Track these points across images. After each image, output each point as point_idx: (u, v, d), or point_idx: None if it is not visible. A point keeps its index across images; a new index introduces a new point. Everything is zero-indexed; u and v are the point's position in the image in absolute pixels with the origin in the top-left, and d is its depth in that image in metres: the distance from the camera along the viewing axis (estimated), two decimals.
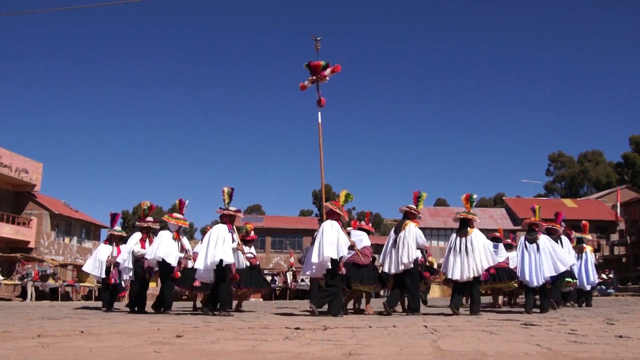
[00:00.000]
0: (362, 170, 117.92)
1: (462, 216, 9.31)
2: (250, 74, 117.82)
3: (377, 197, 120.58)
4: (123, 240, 12.23)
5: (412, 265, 9.06)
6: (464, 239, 9.15)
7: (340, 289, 8.68)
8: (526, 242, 10.01)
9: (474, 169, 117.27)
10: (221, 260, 8.84)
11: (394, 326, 5.98)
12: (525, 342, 4.15)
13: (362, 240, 9.84)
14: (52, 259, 32.27)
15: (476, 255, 8.97)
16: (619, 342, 4.18)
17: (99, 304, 14.52)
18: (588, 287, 13.09)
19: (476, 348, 3.81)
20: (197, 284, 10.16)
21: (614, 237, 41.43)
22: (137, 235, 10.86)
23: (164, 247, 9.84)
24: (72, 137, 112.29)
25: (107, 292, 12.14)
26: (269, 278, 36.26)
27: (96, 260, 12.37)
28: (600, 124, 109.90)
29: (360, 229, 10.29)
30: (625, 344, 4.06)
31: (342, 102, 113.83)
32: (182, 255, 10.21)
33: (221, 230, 9.07)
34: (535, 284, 9.66)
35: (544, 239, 9.98)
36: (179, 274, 10.12)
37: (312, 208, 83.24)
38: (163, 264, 9.90)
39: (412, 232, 9.16)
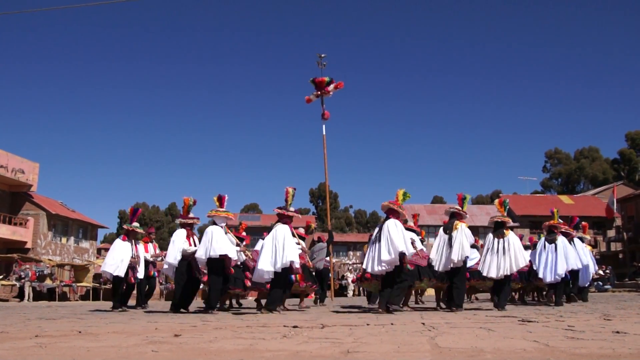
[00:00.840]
0: (358, 168, 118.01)
1: (499, 219, 10.04)
2: (247, 74, 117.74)
3: (373, 195, 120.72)
4: (137, 237, 11.75)
5: (462, 264, 9.43)
6: (501, 239, 9.88)
7: (409, 283, 9.28)
8: (546, 242, 11.54)
9: (471, 166, 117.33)
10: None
11: (391, 324, 5.99)
12: (522, 339, 4.16)
13: (415, 240, 10.16)
14: (49, 260, 32.23)
15: (512, 255, 9.74)
16: (615, 337, 4.19)
17: (101, 304, 14.43)
18: (586, 284, 13.35)
19: (474, 345, 3.81)
20: (248, 283, 10.03)
21: (611, 233, 41.54)
22: (182, 232, 10.13)
23: (222, 243, 9.34)
24: (69, 138, 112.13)
25: (121, 291, 11.29)
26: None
27: (117, 258, 10.91)
28: (597, 121, 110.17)
29: (408, 229, 10.26)
30: (622, 339, 4.07)
31: (337, 98, 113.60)
32: (238, 249, 10.04)
33: (286, 231, 9.06)
34: (548, 280, 11.19)
35: (561, 240, 11.44)
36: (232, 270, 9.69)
37: (309, 206, 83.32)
38: (215, 260, 9.33)
39: (464, 232, 9.51)
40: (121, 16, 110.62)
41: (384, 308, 8.48)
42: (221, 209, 9.75)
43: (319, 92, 12.80)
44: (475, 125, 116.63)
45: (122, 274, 10.83)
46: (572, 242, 12.10)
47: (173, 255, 9.94)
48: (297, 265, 9.11)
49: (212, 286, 9.61)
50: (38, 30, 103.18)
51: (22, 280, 27.20)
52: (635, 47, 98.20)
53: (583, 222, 14.60)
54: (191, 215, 10.44)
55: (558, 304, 10.97)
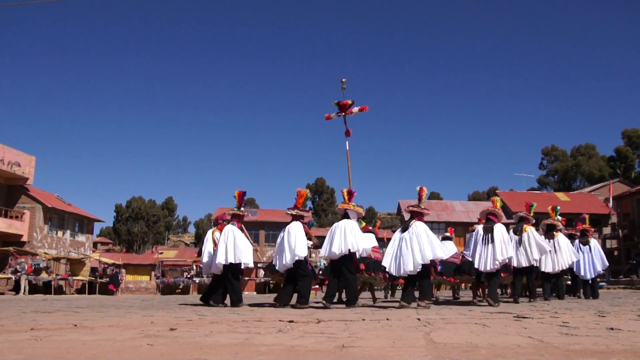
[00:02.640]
0: (355, 163, 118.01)
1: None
2: (247, 67, 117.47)
3: (370, 191, 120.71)
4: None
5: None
6: (551, 240, 12.09)
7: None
8: (581, 244, 13.61)
9: (468, 163, 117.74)
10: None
11: (387, 319, 6.00)
12: (517, 335, 4.18)
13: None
14: (45, 253, 32.19)
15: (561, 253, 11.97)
16: (610, 334, 4.20)
17: (99, 297, 14.36)
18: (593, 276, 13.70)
19: (468, 340, 3.82)
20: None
21: (606, 230, 41.64)
22: (300, 226, 9.78)
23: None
24: (65, 131, 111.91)
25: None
26: (262, 272, 36.41)
27: (249, 246, 10.07)
28: (594, 118, 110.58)
29: (366, 231, 10.60)
30: (616, 335, 4.08)
31: (334, 95, 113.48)
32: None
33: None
34: (588, 277, 13.22)
35: (594, 242, 13.83)
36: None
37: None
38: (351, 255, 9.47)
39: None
40: (120, 13, 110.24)
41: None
42: (352, 203, 9.94)
43: (343, 113, 14.24)
44: (472, 122, 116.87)
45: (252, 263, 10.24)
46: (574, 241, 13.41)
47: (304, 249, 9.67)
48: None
49: (301, 281, 9.54)
50: (34, 23, 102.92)
51: (18, 274, 27.19)
52: (633, 45, 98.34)
53: (584, 214, 15.31)
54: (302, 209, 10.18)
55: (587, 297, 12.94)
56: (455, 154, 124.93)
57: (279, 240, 9.83)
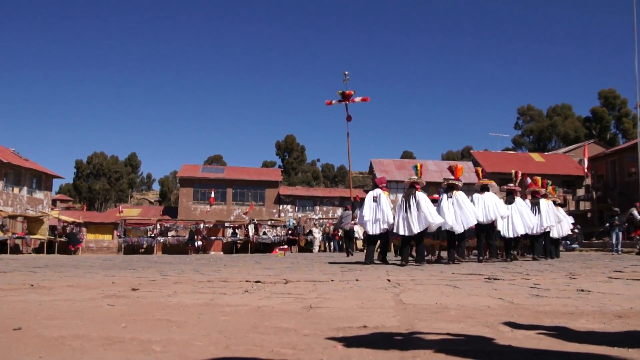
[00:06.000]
0: (325, 121, 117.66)
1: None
2: (215, 26, 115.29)
3: (341, 149, 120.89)
4: None
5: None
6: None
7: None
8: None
9: (442, 122, 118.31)
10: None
11: (357, 280, 6.07)
12: (487, 296, 4.26)
13: None
14: (1, 210, 31.69)
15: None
16: (580, 296, 4.31)
17: (58, 257, 14.22)
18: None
19: (438, 301, 3.89)
20: None
21: (580, 192, 42.41)
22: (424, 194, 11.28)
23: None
24: (23, 84, 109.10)
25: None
26: (229, 231, 36.45)
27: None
28: (570, 78, 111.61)
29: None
30: (586, 297, 4.20)
31: (312, 46, 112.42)
32: None
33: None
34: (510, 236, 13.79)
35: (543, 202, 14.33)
36: None
37: (275, 159, 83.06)
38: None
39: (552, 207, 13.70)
40: None
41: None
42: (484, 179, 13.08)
43: (345, 102, 17.09)
44: (447, 80, 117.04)
45: None
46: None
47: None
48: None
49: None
50: None
51: None
52: (611, 4, 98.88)
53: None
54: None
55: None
56: (429, 113, 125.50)
57: (399, 204, 11.08)
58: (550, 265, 10.19)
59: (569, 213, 20.55)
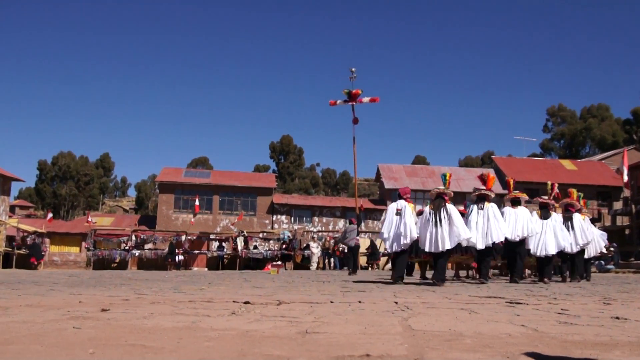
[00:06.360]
0: (327, 122, 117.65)
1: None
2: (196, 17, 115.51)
3: (343, 154, 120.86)
4: None
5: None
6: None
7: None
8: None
9: (459, 124, 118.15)
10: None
11: (359, 302, 6.06)
12: (508, 322, 4.25)
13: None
14: None
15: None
16: (614, 323, 4.30)
17: (16, 272, 14.19)
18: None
19: (452, 328, 3.88)
20: None
21: (617, 205, 42.22)
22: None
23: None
24: None
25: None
26: (215, 244, 36.37)
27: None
28: (608, 76, 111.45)
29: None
30: (621, 325, 4.18)
31: (313, 38, 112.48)
32: None
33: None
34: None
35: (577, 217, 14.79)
36: None
37: (269, 163, 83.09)
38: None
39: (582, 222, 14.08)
40: None
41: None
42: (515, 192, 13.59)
43: (352, 102, 17.66)
44: (466, 76, 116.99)
45: None
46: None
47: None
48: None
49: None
50: None
51: None
52: None
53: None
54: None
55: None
56: (445, 113, 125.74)
57: (425, 217, 11.22)
58: (581, 289, 10.17)
59: (604, 229, 20.57)
